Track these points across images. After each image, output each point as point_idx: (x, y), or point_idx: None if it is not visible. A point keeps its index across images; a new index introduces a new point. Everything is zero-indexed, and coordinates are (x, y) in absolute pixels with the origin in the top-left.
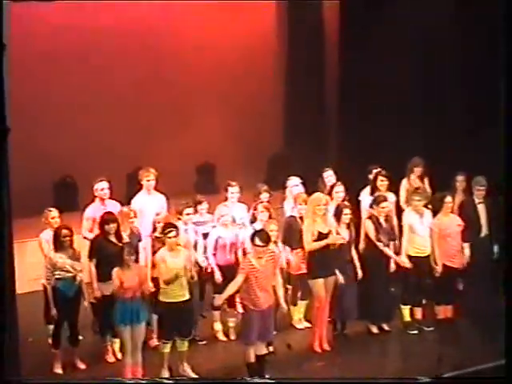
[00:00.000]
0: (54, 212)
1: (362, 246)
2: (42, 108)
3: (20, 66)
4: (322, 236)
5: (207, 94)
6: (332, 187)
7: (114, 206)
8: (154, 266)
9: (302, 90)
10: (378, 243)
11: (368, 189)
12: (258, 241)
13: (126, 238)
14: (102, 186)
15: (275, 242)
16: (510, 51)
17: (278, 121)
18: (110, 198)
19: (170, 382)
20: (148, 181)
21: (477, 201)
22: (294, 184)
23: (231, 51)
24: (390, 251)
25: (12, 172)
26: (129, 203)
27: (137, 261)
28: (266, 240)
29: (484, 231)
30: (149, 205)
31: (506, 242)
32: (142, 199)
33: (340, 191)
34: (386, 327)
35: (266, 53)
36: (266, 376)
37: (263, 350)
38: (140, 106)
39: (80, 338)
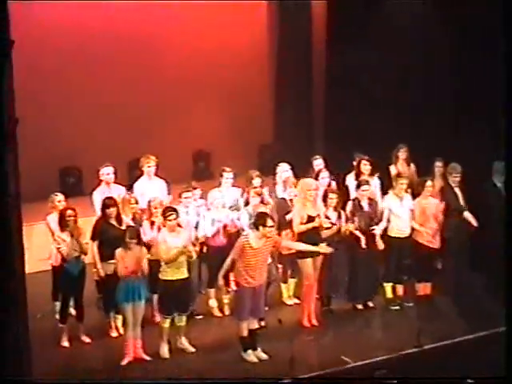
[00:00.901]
0: (60, 196)
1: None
2: (48, 101)
3: (24, 63)
4: (310, 219)
5: (203, 91)
6: (318, 173)
7: (118, 190)
8: (154, 246)
9: (292, 86)
10: (349, 224)
11: (353, 174)
12: (269, 222)
13: (129, 222)
14: (107, 171)
15: None
16: (510, 51)
17: (269, 113)
18: (114, 183)
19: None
20: (149, 167)
21: (453, 185)
22: (284, 170)
23: (226, 49)
24: (354, 230)
25: (21, 159)
26: (131, 188)
27: (138, 243)
28: (274, 221)
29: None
30: (150, 189)
31: (506, 241)
32: (143, 184)
33: (325, 177)
34: (370, 304)
35: (258, 50)
36: (258, 349)
37: (255, 325)
38: (140, 100)
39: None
